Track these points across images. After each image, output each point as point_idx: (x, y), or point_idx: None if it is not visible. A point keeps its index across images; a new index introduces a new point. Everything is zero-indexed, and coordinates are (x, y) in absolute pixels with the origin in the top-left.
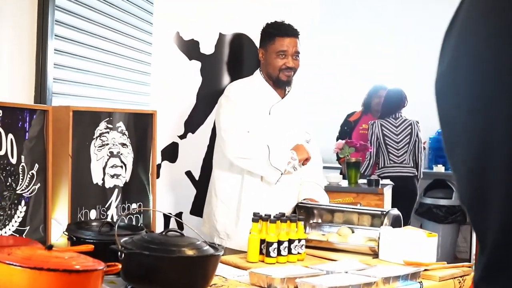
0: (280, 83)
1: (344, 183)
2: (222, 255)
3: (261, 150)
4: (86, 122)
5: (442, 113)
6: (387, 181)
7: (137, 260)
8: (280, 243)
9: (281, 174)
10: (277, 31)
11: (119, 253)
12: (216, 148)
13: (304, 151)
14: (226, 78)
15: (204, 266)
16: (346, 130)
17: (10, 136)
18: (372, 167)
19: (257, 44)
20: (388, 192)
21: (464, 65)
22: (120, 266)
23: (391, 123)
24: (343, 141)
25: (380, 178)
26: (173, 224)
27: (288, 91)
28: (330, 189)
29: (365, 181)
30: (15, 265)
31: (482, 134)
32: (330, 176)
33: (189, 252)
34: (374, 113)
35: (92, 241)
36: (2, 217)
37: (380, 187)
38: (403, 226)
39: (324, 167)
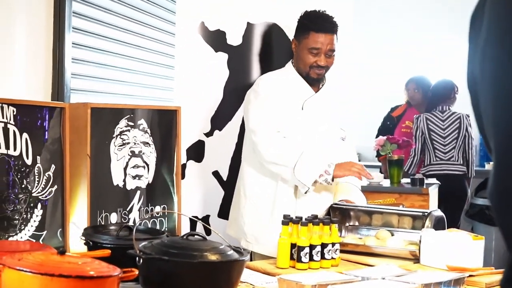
0: (310, 80)
1: (386, 183)
2: (250, 260)
3: (291, 157)
4: (106, 119)
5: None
6: (433, 180)
7: (155, 266)
8: (312, 247)
9: (308, 188)
10: (313, 24)
11: (137, 258)
12: (245, 142)
13: (345, 169)
14: (255, 71)
15: (228, 272)
16: (389, 125)
17: (25, 135)
18: (416, 165)
19: (289, 34)
20: (434, 192)
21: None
22: (137, 272)
23: (437, 116)
24: (384, 137)
25: (425, 177)
26: (200, 228)
27: (322, 85)
28: (370, 190)
29: (408, 180)
30: (26, 271)
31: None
32: None
33: (212, 257)
34: (419, 107)
35: (109, 245)
36: (17, 221)
37: (425, 186)
38: (450, 228)
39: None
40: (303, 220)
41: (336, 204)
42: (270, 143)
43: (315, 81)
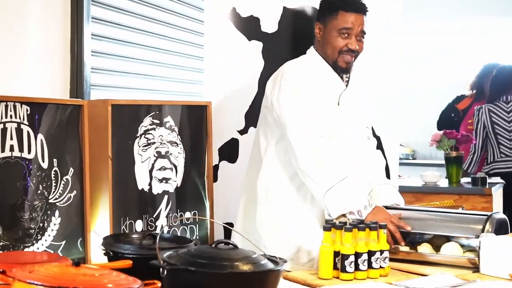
0: (338, 69)
1: (443, 183)
2: (288, 270)
3: (329, 178)
4: (128, 117)
5: None
6: (497, 179)
7: (181, 277)
8: (358, 255)
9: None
10: (342, 3)
11: (160, 269)
12: (265, 135)
13: (380, 220)
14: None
15: (262, 284)
16: (453, 118)
17: (40, 136)
18: (477, 163)
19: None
20: (498, 193)
21: None
22: (159, 284)
23: (502, 107)
24: (441, 132)
25: (488, 176)
26: (235, 236)
27: (348, 77)
28: (426, 191)
29: (469, 179)
30: (37, 284)
31: None
32: (426, 175)
33: (244, 267)
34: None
35: (130, 256)
36: (33, 230)
37: (487, 186)
38: None
39: (419, 164)
40: (347, 225)
41: (385, 207)
42: (312, 151)
43: (342, 72)
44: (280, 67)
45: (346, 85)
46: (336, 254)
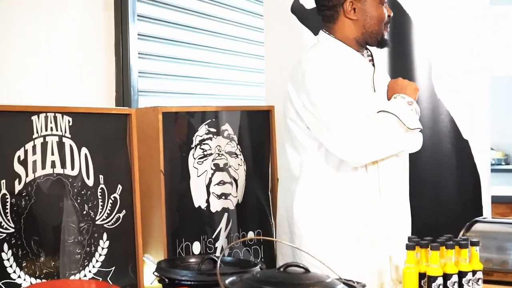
0: (384, 44)
1: None
2: None
3: (382, 122)
4: (181, 126)
5: None
6: None
7: None
8: (446, 277)
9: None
10: None
11: None
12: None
13: (409, 85)
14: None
15: None
16: None
17: (84, 150)
18: None
19: (408, 9)
20: None
21: None
22: None
23: None
24: None
25: None
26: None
27: (371, 57)
28: None
29: None
30: None
31: None
32: None
33: None
34: None
35: (189, 282)
36: (79, 255)
37: None
38: None
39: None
40: (434, 243)
41: (477, 220)
42: (361, 128)
43: (384, 44)
44: (294, 65)
45: (373, 66)
46: (422, 276)
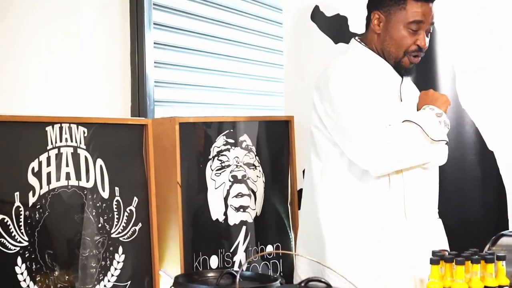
0: (401, 69)
1: None
2: None
3: (404, 132)
4: (199, 137)
5: None
6: None
7: None
8: None
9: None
10: None
11: None
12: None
13: (440, 97)
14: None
15: None
16: None
17: (99, 162)
18: None
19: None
20: None
21: None
22: None
23: None
24: None
25: None
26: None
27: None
28: None
29: None
30: None
31: None
32: None
33: None
34: None
35: None
36: (94, 269)
37: None
38: None
39: None
40: (459, 257)
41: (504, 233)
42: (381, 137)
43: (406, 72)
44: (321, 72)
45: (401, 76)
46: None
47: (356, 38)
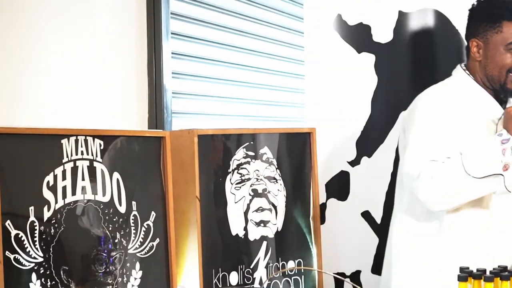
0: (506, 93)
1: None
2: None
3: (450, 166)
4: (218, 150)
5: None
6: None
7: None
8: None
9: (501, 175)
10: (505, 11)
11: None
12: (398, 177)
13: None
14: (412, 75)
15: None
16: None
17: (116, 175)
18: None
19: (456, 24)
20: None
21: None
22: None
23: None
24: None
25: None
26: None
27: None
28: None
29: None
30: None
31: None
32: None
33: None
34: None
35: None
36: (111, 286)
37: None
38: None
39: None
40: (487, 273)
41: None
42: (429, 173)
43: (509, 94)
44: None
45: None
46: None
47: (462, 65)
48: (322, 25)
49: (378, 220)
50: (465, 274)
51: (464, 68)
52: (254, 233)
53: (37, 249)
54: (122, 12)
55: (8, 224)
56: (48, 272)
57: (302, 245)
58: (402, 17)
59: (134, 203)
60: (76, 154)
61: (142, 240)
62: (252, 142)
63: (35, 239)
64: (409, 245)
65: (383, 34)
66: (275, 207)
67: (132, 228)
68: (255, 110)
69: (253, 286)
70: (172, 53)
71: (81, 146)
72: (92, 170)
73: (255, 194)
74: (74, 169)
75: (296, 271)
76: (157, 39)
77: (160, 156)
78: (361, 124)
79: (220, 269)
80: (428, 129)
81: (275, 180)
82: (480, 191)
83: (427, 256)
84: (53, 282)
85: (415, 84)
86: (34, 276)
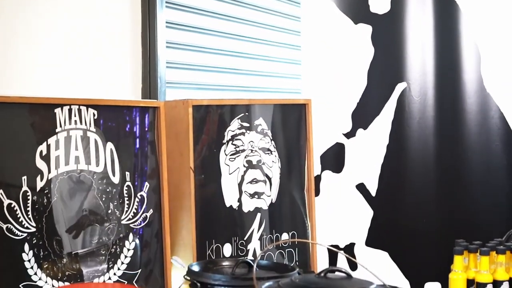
0: None
1: None
2: None
3: None
4: (213, 121)
5: None
6: None
7: None
8: (496, 284)
9: None
10: None
11: None
12: None
13: None
14: (410, 47)
15: None
16: None
17: (110, 145)
18: None
19: None
20: None
21: None
22: None
23: None
24: None
25: None
26: (342, 261)
27: None
28: None
29: None
30: None
31: None
32: None
33: None
34: None
35: (223, 287)
36: (104, 257)
37: None
38: None
39: None
40: (484, 247)
41: None
42: None
43: None
44: None
45: None
46: (470, 282)
47: None
48: None
49: (373, 193)
50: (461, 247)
51: None
52: (248, 205)
53: (29, 219)
54: None
55: (1, 194)
56: (40, 242)
57: (296, 217)
58: None
59: (127, 173)
60: (70, 123)
61: (135, 211)
62: (247, 113)
63: (28, 209)
64: None
65: (380, 5)
66: (269, 178)
67: (126, 199)
68: (251, 81)
69: (246, 258)
70: (166, 22)
71: (75, 116)
72: (86, 140)
73: (250, 165)
74: (68, 139)
75: (290, 244)
76: (151, 8)
77: (155, 127)
78: (357, 96)
79: (213, 240)
80: None
81: (269, 152)
82: None
83: None
84: (46, 253)
85: (412, 56)
86: (26, 246)
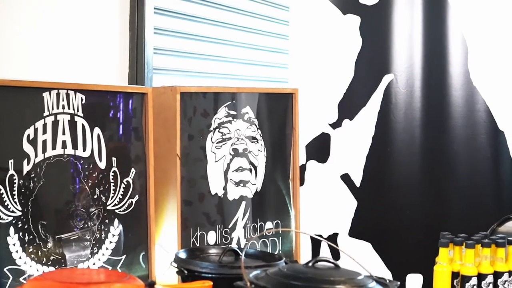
0: None
1: None
2: None
3: None
4: (200, 107)
5: None
6: None
7: None
8: (481, 277)
9: None
10: None
11: None
12: None
13: None
14: (397, 39)
15: None
16: None
17: (97, 131)
18: None
19: None
20: None
21: None
22: None
23: None
24: None
25: None
26: (325, 251)
27: None
28: None
29: None
30: None
31: None
32: None
33: None
34: None
35: (210, 275)
36: (88, 242)
37: None
38: None
39: None
40: (469, 240)
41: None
42: None
43: None
44: None
45: None
46: (455, 275)
47: None
48: None
49: (358, 183)
50: (446, 240)
51: None
52: (233, 193)
53: (15, 203)
54: None
55: None
56: (26, 227)
57: (280, 206)
58: None
59: (114, 159)
60: (58, 108)
61: (121, 197)
62: (234, 101)
63: (14, 192)
64: None
65: None
66: (255, 167)
67: (112, 184)
68: (238, 70)
69: (230, 246)
70: (154, 8)
71: (62, 100)
72: (73, 125)
73: (236, 153)
74: (55, 123)
75: (274, 233)
76: None
77: (142, 113)
78: (344, 86)
79: (198, 228)
80: None
81: (256, 140)
82: None
83: None
84: (31, 237)
85: (400, 48)
86: (12, 230)
